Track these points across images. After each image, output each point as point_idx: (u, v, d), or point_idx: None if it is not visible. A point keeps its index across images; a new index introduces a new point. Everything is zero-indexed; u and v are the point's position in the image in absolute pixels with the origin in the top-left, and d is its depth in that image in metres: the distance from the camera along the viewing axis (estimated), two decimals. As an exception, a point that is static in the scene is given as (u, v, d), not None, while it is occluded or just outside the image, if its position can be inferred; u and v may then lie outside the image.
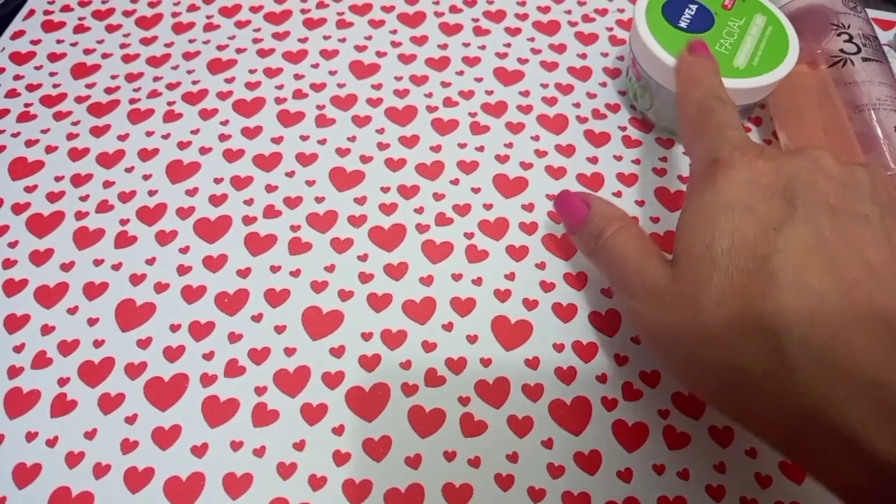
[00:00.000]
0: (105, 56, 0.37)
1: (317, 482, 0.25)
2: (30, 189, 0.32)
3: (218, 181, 0.32)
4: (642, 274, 0.22)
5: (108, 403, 0.26)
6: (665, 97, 0.32)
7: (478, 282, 0.29)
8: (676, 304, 0.21)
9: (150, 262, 0.29)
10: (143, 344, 0.27)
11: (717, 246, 0.20)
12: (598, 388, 0.27)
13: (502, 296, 0.29)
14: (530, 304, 0.29)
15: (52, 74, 0.36)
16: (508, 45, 0.38)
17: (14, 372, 0.27)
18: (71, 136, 0.33)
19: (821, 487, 0.18)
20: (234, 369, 0.27)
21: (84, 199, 0.31)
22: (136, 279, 0.29)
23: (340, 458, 0.25)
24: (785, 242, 0.19)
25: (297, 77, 0.36)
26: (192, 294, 0.29)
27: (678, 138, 0.34)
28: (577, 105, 0.35)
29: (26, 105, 0.35)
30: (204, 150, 0.33)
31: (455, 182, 0.32)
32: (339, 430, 0.26)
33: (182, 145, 0.33)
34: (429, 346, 0.27)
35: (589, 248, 0.25)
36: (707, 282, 0.20)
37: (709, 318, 0.19)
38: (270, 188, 0.32)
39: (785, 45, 0.31)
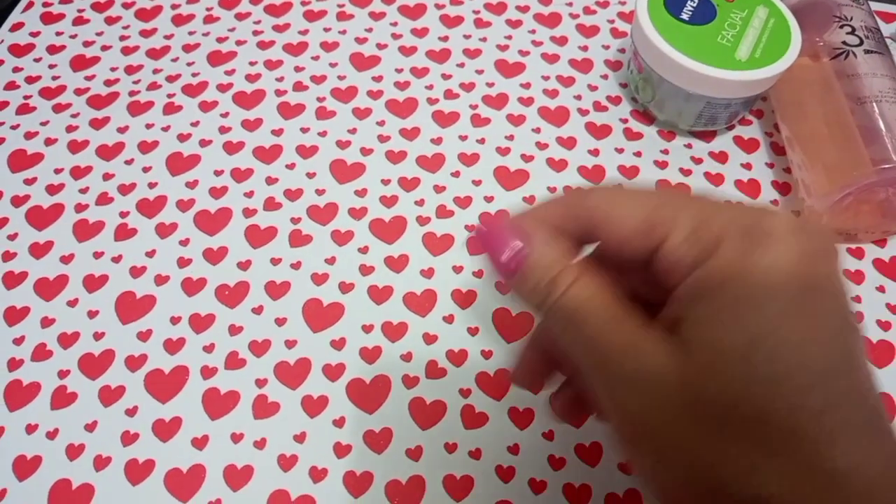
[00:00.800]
0: (104, 48, 0.37)
1: (318, 474, 0.25)
2: (29, 181, 0.32)
3: (218, 173, 0.32)
4: (625, 352, 0.16)
5: (109, 396, 0.26)
6: (667, 89, 0.32)
7: (479, 274, 0.29)
8: (688, 397, 0.15)
9: (151, 254, 0.29)
10: (144, 336, 0.27)
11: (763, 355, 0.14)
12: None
13: (503, 288, 0.29)
14: (531, 297, 0.29)
15: (51, 66, 0.36)
16: (509, 37, 0.38)
17: (14, 364, 0.27)
18: (70, 129, 0.33)
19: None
20: (234, 362, 0.27)
21: (84, 191, 0.31)
22: (136, 271, 0.29)
23: (341, 451, 0.25)
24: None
25: (298, 69, 0.36)
26: (192, 286, 0.29)
27: (680, 130, 0.34)
28: (579, 97, 0.35)
29: (25, 97, 0.35)
30: (204, 143, 0.33)
31: (456, 174, 0.32)
32: (339, 423, 0.26)
33: (182, 137, 0.33)
34: (430, 339, 0.27)
35: (534, 305, 0.18)
36: (740, 389, 0.14)
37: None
38: (271, 180, 0.32)
39: (787, 37, 0.31)
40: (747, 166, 0.33)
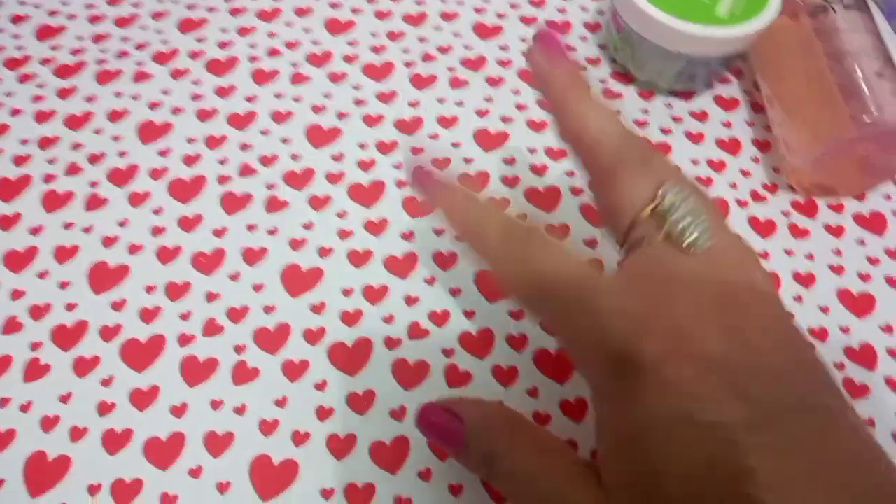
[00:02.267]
0: (70, 17, 0.36)
1: (300, 438, 0.24)
2: (-5, 153, 0.31)
3: (191, 141, 0.31)
4: None
5: (83, 366, 0.25)
6: (647, 49, 0.31)
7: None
8: None
9: (123, 223, 0.29)
10: (118, 306, 0.27)
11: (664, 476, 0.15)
12: (583, 337, 0.26)
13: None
14: (513, 257, 0.28)
15: (15, 37, 0.35)
16: (486, -1, 0.37)
17: (-16, 337, 0.26)
18: (36, 98, 0.32)
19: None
20: (212, 328, 0.26)
21: (52, 161, 0.30)
22: (108, 241, 0.28)
23: (323, 413, 0.25)
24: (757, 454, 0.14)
25: (271, 35, 0.35)
26: (167, 255, 0.28)
27: (660, 90, 0.34)
28: (558, 59, 0.35)
29: (-12, 68, 0.33)
30: (176, 110, 0.32)
31: (434, 136, 0.31)
32: (321, 386, 0.25)
33: (153, 105, 0.32)
34: (411, 301, 0.27)
35: (483, 474, 0.20)
36: None
37: None
38: (245, 147, 0.31)
39: (767, -8, 0.31)
40: (727, 124, 0.33)
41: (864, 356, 0.27)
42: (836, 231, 0.30)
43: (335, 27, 0.35)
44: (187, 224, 0.29)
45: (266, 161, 0.30)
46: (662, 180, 0.18)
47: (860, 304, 0.28)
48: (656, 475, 0.15)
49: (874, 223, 0.30)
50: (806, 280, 0.29)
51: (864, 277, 0.29)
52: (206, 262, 0.28)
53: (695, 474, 0.14)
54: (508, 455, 0.18)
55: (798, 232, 0.30)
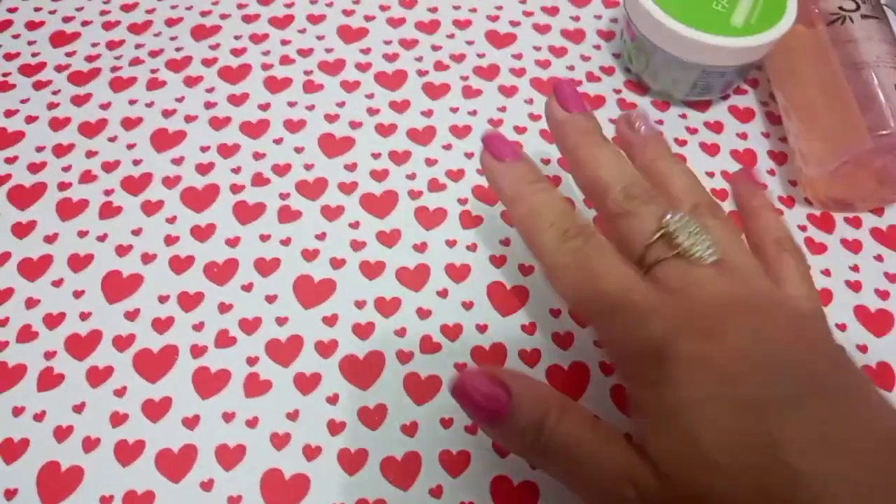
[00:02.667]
0: (85, 24, 0.36)
1: (311, 452, 0.24)
2: (10, 160, 0.31)
3: (204, 149, 0.31)
4: (621, 483, 0.18)
5: (97, 376, 0.26)
6: (661, 58, 0.31)
7: (472, 248, 0.29)
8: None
9: (137, 232, 0.29)
10: (131, 316, 0.27)
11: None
12: (595, 353, 0.26)
13: (498, 261, 0.28)
14: (526, 270, 0.28)
15: (30, 43, 0.35)
16: (500, 7, 0.37)
17: (-1, 346, 0.26)
18: (52, 106, 0.32)
19: None
20: (224, 340, 0.26)
21: (66, 169, 0.30)
22: (122, 250, 0.28)
23: (335, 428, 0.25)
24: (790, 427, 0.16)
25: (284, 42, 0.35)
26: (180, 264, 0.28)
27: (674, 100, 0.34)
28: (571, 68, 0.34)
29: (4, 74, 0.34)
30: (189, 118, 0.32)
31: (448, 147, 0.31)
32: (333, 399, 0.25)
33: (167, 113, 0.32)
34: (423, 314, 0.27)
35: (524, 446, 0.20)
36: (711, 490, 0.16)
37: None
38: (258, 156, 0.31)
39: (783, 3, 0.31)
40: (743, 136, 0.33)
41: (883, 375, 0.26)
42: (854, 246, 0.30)
43: (348, 35, 0.35)
44: (200, 234, 0.29)
45: (279, 170, 0.30)
46: (665, 212, 0.20)
47: (878, 322, 0.28)
48: (697, 443, 0.16)
49: (893, 238, 0.30)
50: (823, 296, 0.28)
51: (883, 294, 0.28)
52: (219, 273, 0.28)
53: (733, 441, 0.16)
54: (560, 424, 0.18)
55: (815, 247, 0.30)
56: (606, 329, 0.20)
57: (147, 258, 0.28)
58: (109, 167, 0.30)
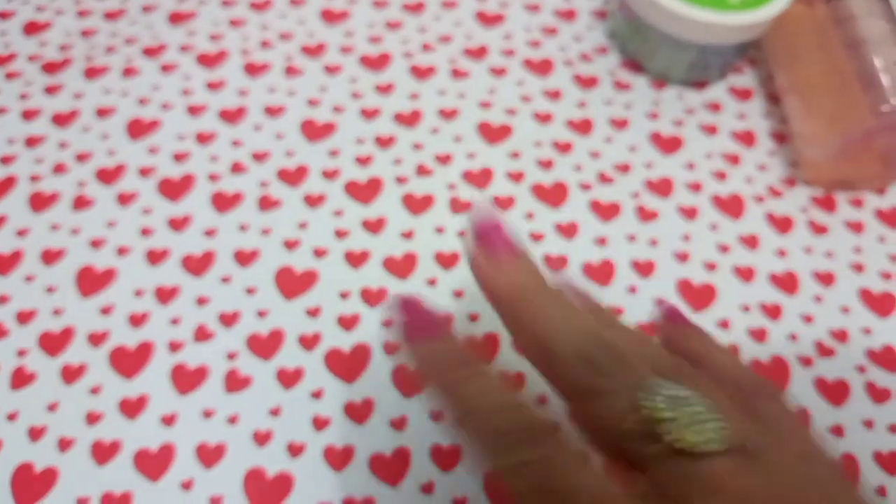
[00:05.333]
0: (58, 13, 0.34)
1: (295, 449, 0.23)
2: (-21, 152, 0.29)
3: (181, 138, 0.30)
4: None
5: (71, 374, 0.24)
6: (657, 37, 0.30)
7: (463, 234, 0.27)
8: None
9: (111, 224, 0.28)
10: (106, 311, 0.26)
11: None
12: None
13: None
14: (518, 257, 0.27)
15: (1, 34, 0.34)
16: (488, -13, 0.36)
17: (-33, 345, 0.25)
18: (24, 96, 0.31)
19: None
20: (203, 334, 0.25)
21: (39, 161, 0.29)
22: (95, 243, 0.27)
23: (320, 424, 0.24)
24: None
25: (263, 27, 0.34)
26: (156, 257, 0.27)
27: (671, 81, 0.32)
28: (564, 49, 0.33)
29: (-26, 65, 0.32)
30: (165, 107, 0.31)
31: (435, 131, 0.30)
32: (317, 394, 0.24)
33: (142, 101, 0.31)
34: (411, 304, 0.26)
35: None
36: None
37: None
38: (236, 143, 0.30)
39: (781, -23, 0.30)
40: (742, 116, 0.32)
41: (887, 358, 0.25)
42: (857, 227, 0.29)
43: (330, 17, 0.34)
44: (176, 224, 0.28)
45: (258, 158, 0.29)
46: (637, 384, 0.15)
47: (882, 304, 0.27)
48: None
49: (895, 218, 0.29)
50: (825, 279, 0.27)
51: (886, 276, 0.27)
52: (197, 265, 0.27)
53: None
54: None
55: (817, 229, 0.28)
56: None
57: (122, 251, 0.27)
58: (83, 158, 0.29)
